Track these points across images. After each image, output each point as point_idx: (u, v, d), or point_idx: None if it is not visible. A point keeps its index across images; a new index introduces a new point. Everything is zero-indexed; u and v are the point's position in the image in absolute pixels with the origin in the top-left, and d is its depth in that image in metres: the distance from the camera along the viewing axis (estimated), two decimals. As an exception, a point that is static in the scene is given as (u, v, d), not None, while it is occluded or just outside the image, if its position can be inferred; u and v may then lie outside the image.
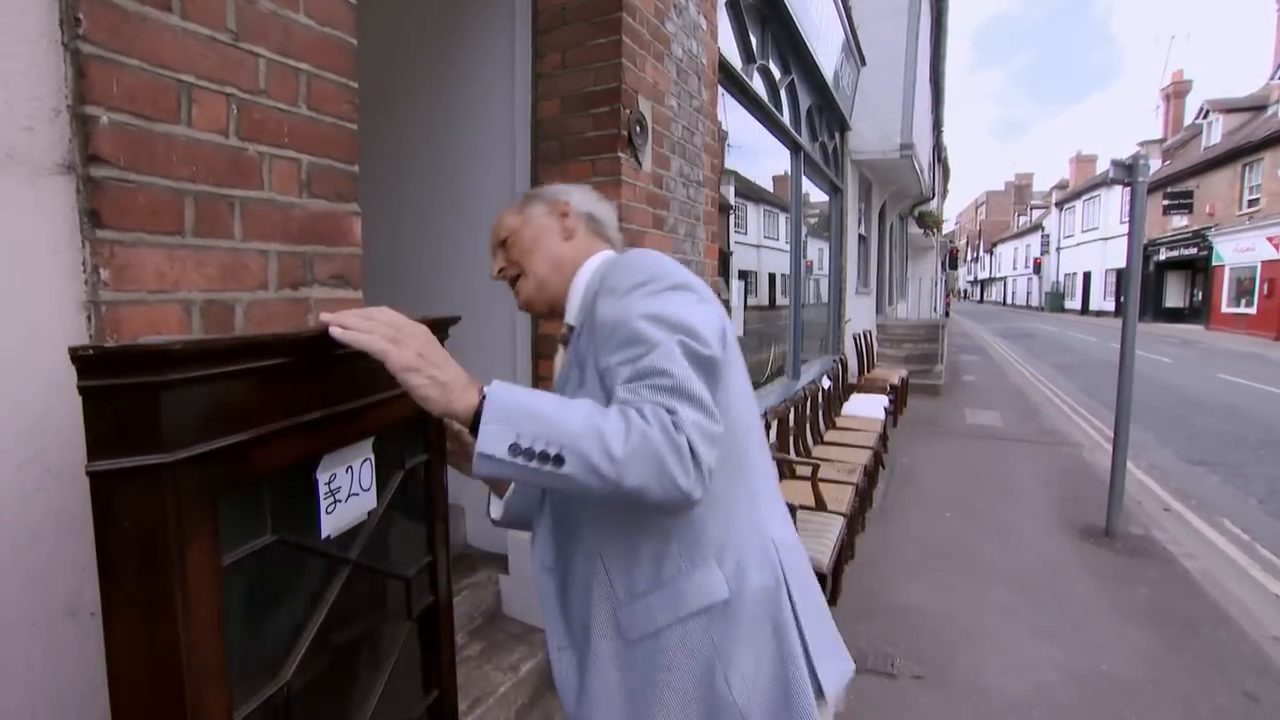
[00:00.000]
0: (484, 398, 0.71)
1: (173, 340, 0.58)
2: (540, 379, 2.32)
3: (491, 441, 0.68)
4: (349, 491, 0.81)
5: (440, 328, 1.08)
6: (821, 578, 2.60)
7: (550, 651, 0.96)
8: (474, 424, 0.71)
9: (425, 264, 2.61)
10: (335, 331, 0.69)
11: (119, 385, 0.51)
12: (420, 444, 1.00)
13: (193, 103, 0.92)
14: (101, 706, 0.84)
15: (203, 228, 0.94)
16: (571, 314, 0.99)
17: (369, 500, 0.86)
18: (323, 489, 0.77)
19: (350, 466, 0.82)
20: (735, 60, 3.61)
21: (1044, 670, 2.57)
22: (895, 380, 7.31)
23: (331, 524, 0.78)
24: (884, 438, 5.27)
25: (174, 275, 0.90)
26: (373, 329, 0.71)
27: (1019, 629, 2.88)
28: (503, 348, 2.39)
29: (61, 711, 0.79)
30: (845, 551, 3.21)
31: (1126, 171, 4.05)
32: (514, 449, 0.68)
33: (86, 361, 0.50)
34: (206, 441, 0.58)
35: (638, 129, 2.18)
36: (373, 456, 0.86)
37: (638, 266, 0.84)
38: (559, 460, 0.68)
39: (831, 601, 2.89)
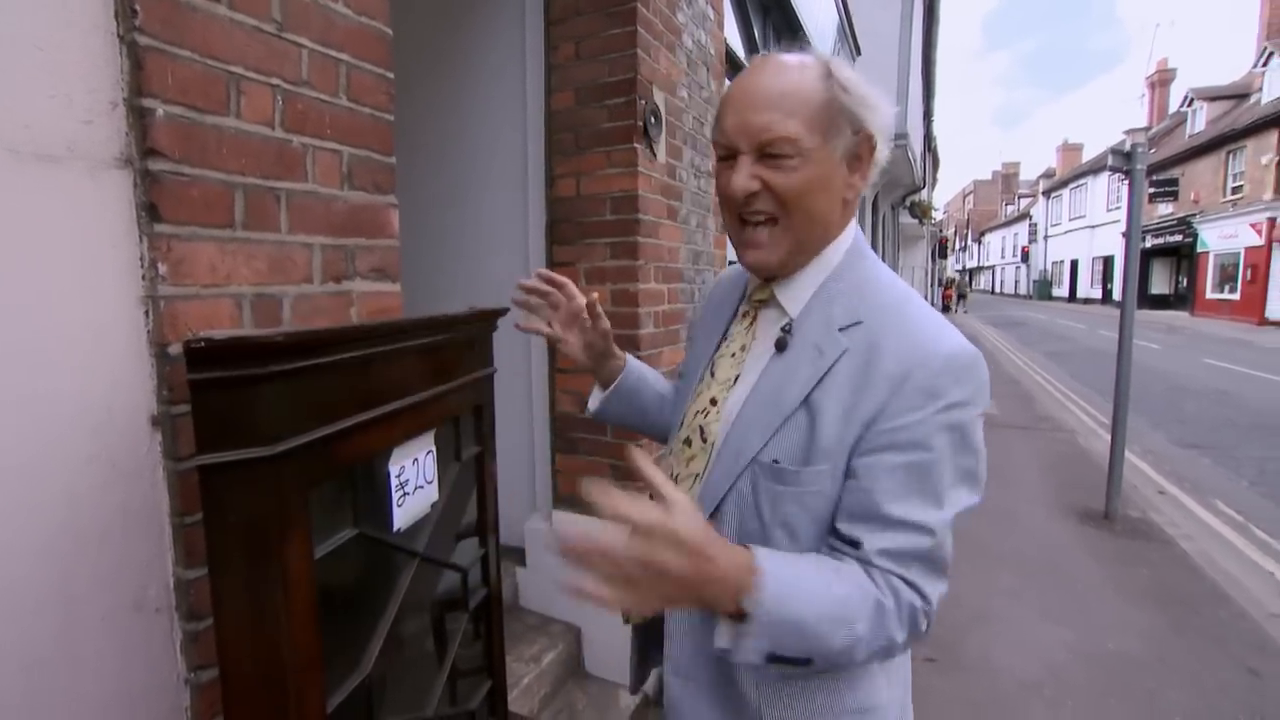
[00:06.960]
0: (753, 609, 0.59)
1: (274, 332, 0.58)
2: (558, 373, 2.31)
3: (747, 653, 0.61)
4: (415, 484, 0.82)
5: (487, 319, 1.08)
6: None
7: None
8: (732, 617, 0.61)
9: (432, 256, 2.59)
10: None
11: (228, 378, 0.51)
12: (473, 436, 1.00)
13: (241, 94, 0.91)
14: (168, 703, 0.84)
15: (252, 221, 0.93)
16: (796, 301, 0.78)
17: (432, 492, 0.86)
18: (394, 481, 0.77)
19: (416, 458, 0.82)
20: (739, 50, 3.60)
21: (1053, 650, 2.62)
22: (892, 369, 7.34)
23: (402, 517, 0.79)
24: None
25: (225, 269, 0.90)
26: (613, 573, 0.54)
27: (1026, 611, 2.94)
28: (515, 345, 2.37)
29: (130, 706, 0.79)
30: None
31: (1125, 159, 4.09)
32: (770, 658, 0.62)
33: (198, 354, 0.50)
34: (302, 434, 0.59)
35: (652, 120, 2.18)
36: (435, 448, 0.87)
37: (960, 365, 0.70)
38: (804, 662, 0.63)
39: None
